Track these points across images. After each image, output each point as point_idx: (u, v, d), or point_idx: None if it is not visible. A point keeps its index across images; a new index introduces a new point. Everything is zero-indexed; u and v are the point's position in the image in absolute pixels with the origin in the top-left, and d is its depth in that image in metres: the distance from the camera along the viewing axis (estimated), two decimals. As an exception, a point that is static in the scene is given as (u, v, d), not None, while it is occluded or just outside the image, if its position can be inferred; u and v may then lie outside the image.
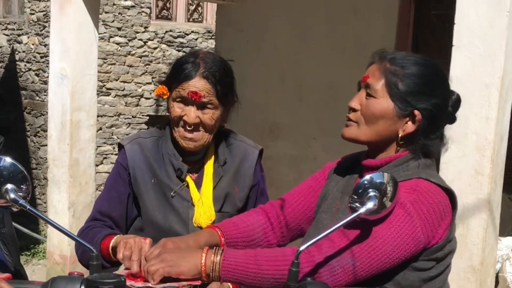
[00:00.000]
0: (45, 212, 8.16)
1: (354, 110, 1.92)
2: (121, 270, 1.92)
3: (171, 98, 2.20)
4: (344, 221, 1.67)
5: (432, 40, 5.38)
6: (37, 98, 10.45)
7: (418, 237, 1.74)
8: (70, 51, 5.38)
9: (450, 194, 1.85)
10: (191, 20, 11.17)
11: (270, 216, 2.11)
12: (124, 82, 10.76)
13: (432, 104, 1.86)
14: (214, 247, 1.83)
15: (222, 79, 2.18)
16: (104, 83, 10.46)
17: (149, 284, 1.75)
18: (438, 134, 1.91)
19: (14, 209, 1.62)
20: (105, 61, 10.35)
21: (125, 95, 10.73)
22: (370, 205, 1.66)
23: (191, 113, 2.15)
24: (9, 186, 1.58)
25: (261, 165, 2.39)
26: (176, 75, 2.18)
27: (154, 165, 2.25)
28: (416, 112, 1.85)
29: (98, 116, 8.05)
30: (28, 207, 1.59)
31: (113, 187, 2.30)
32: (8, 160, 1.60)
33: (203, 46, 11.13)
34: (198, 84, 2.14)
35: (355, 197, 1.69)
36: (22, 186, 1.60)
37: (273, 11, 6.17)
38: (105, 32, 10.21)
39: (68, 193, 5.68)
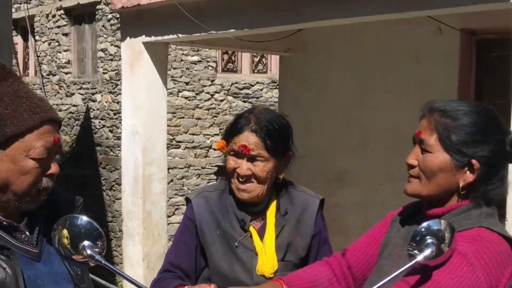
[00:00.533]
0: (121, 263, 8.37)
1: (412, 166, 1.94)
2: None
3: (227, 151, 2.33)
4: (403, 268, 1.71)
5: (495, 82, 5.35)
6: (111, 153, 10.83)
7: (482, 287, 1.75)
8: (141, 108, 5.63)
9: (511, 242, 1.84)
10: (255, 71, 11.42)
11: (334, 268, 2.14)
12: (193, 134, 11.04)
13: (489, 151, 1.86)
14: None
15: (272, 132, 2.27)
16: (174, 136, 10.75)
17: None
18: (499, 177, 1.90)
19: (91, 264, 1.74)
20: (175, 115, 10.66)
21: (194, 147, 10.99)
22: (427, 252, 1.70)
23: (243, 166, 2.26)
24: (86, 243, 1.70)
25: (322, 214, 2.45)
26: (231, 130, 2.31)
27: (219, 217, 2.35)
28: (474, 161, 1.85)
29: (169, 169, 8.30)
30: (103, 262, 1.70)
31: (181, 240, 2.42)
32: (84, 218, 1.72)
33: (268, 96, 11.33)
34: (247, 138, 2.25)
35: (413, 244, 1.73)
36: (97, 242, 1.72)
37: (335, 60, 6.28)
38: (173, 87, 10.55)
39: (142, 245, 5.86)
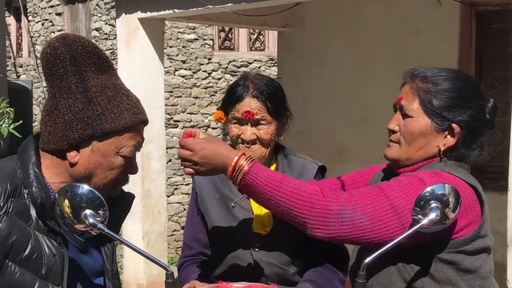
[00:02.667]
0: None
1: (393, 131, 1.98)
2: None
3: (228, 120, 2.36)
4: (407, 233, 1.71)
5: (495, 54, 5.32)
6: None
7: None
8: (138, 85, 5.58)
9: (476, 191, 1.87)
10: (253, 49, 11.35)
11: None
12: (191, 113, 10.99)
13: (469, 116, 1.91)
14: (249, 156, 1.93)
15: (271, 96, 2.32)
16: (172, 116, 10.71)
17: None
18: (479, 143, 1.95)
19: (93, 233, 1.73)
20: (172, 94, 10.62)
21: (192, 126, 10.95)
22: (432, 216, 1.69)
23: (247, 131, 2.31)
24: (87, 211, 1.69)
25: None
26: (229, 99, 2.35)
27: (218, 183, 2.41)
28: (454, 125, 1.90)
29: (167, 148, 8.27)
30: (106, 230, 1.69)
31: (193, 214, 2.51)
32: (85, 187, 1.71)
33: (266, 74, 11.29)
34: (249, 104, 2.30)
35: (417, 209, 1.72)
36: (99, 211, 1.71)
37: (334, 35, 6.23)
38: (170, 66, 10.49)
39: (142, 223, 5.86)
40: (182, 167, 1.99)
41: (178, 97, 10.78)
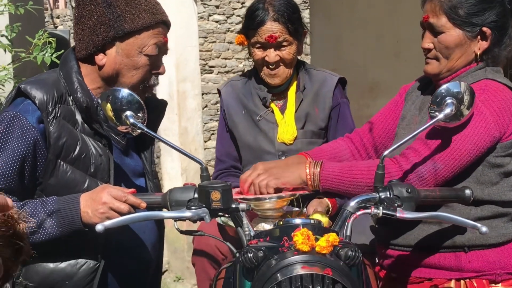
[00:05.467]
0: (160, 179, 8.62)
1: (429, 50, 2.07)
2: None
3: (251, 44, 2.49)
4: (425, 126, 1.82)
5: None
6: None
7: (493, 133, 1.87)
8: (172, 25, 5.68)
9: None
10: (286, -9, 11.27)
11: (355, 141, 2.29)
12: (226, 59, 11.01)
13: (496, 15, 1.98)
14: (314, 161, 2.04)
15: (291, 17, 2.45)
16: (207, 62, 10.76)
17: (260, 196, 1.97)
18: (508, 36, 2.03)
19: (134, 134, 1.89)
20: (206, 39, 10.65)
21: (227, 72, 10.98)
22: (447, 110, 1.80)
23: (271, 54, 2.44)
24: (128, 113, 1.84)
25: (342, 92, 2.60)
26: (251, 24, 2.47)
27: (244, 100, 2.57)
28: (485, 28, 1.98)
29: (202, 94, 8.39)
30: (145, 129, 1.85)
31: (222, 131, 2.68)
32: (126, 91, 1.86)
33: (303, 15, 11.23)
34: (271, 28, 2.42)
35: (434, 106, 1.83)
36: (139, 113, 1.86)
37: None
38: (204, 11, 10.50)
39: (180, 160, 6.05)
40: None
41: (212, 42, 10.80)
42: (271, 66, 2.46)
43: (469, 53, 2.02)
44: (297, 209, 2.15)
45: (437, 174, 1.89)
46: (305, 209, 2.18)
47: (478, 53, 2.01)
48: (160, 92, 6.02)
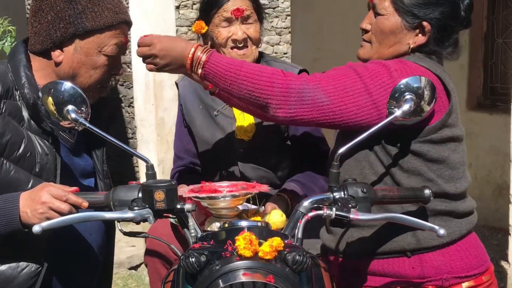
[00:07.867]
0: (137, 173, 8.54)
1: (366, 31, 1.99)
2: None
3: (214, 25, 2.35)
4: (381, 124, 1.73)
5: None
6: (128, 69, 10.83)
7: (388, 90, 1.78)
8: (149, 15, 5.58)
9: (442, 80, 1.87)
10: (270, -20, 11.17)
11: None
12: (209, 48, 10.93)
13: (440, 13, 1.89)
14: (206, 46, 1.92)
15: None
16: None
17: (213, 194, 1.87)
18: (452, 41, 1.94)
19: (78, 129, 1.79)
20: (190, 28, 10.56)
21: (211, 61, 10.91)
22: (406, 107, 1.72)
23: (238, 31, 2.32)
24: (70, 107, 1.74)
25: None
26: (212, 4, 2.35)
27: (201, 94, 2.44)
28: (425, 23, 1.89)
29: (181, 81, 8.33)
30: (87, 125, 1.75)
31: (180, 126, 2.56)
32: (68, 84, 1.76)
33: (284, 6, 11.14)
34: (236, 2, 2.31)
35: (393, 101, 1.75)
36: (82, 108, 1.76)
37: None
38: (188, 0, 10.40)
39: (156, 151, 5.95)
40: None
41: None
42: (238, 45, 2.34)
43: (403, 44, 1.93)
44: (254, 207, 2.06)
45: (320, 107, 1.79)
46: (262, 207, 2.10)
47: (412, 46, 1.92)
48: (137, 81, 5.93)
